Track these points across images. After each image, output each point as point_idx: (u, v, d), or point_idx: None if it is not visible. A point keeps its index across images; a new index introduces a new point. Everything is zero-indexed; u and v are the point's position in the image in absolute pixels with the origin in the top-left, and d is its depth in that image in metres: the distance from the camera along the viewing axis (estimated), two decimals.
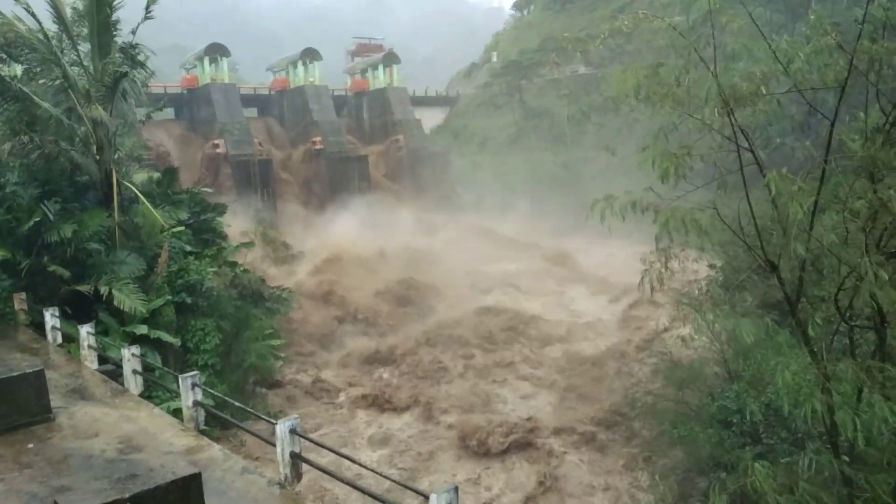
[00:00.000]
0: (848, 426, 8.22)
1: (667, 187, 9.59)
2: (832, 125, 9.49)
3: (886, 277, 8.10)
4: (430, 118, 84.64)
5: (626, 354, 30.43)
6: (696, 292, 18.94)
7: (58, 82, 21.97)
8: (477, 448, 23.92)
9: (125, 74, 22.17)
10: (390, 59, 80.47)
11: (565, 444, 23.79)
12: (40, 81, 22.28)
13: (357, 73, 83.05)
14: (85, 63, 23.12)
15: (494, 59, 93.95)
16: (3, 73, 21.39)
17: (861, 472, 9.90)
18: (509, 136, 78.18)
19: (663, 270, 9.45)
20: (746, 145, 9.61)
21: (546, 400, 28.05)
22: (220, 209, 27.72)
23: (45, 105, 21.51)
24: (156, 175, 26.94)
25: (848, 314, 9.67)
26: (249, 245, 28.99)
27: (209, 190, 36.86)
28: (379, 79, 79.31)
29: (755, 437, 13.58)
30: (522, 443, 23.93)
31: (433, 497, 7.49)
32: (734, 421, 14.79)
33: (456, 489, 7.63)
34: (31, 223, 20.14)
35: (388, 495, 9.46)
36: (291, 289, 31.55)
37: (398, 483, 9.56)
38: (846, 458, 9.75)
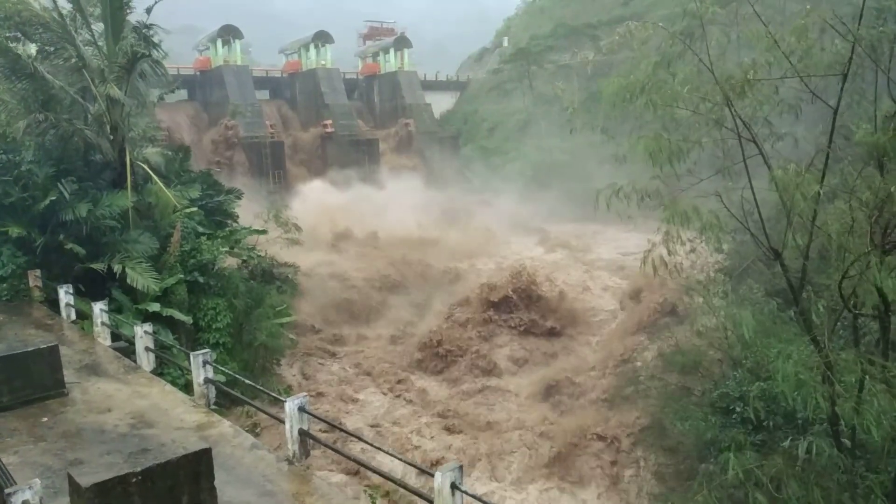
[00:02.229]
0: (849, 415, 8.29)
1: (674, 177, 9.65)
2: (835, 113, 9.53)
3: (890, 269, 8.13)
4: (441, 102, 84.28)
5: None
6: (703, 277, 18.92)
7: (72, 61, 22.05)
8: None
9: (145, 56, 22.19)
10: (402, 42, 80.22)
11: None
12: (55, 61, 22.38)
13: (368, 56, 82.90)
14: (99, 43, 23.22)
15: (505, 44, 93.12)
16: (17, 52, 21.52)
17: (861, 458, 10.00)
18: (519, 122, 77.39)
19: (666, 255, 9.54)
20: (748, 136, 9.66)
21: None
22: (236, 193, 27.82)
23: (60, 84, 21.66)
24: (168, 153, 26.99)
25: (852, 302, 9.68)
26: (262, 232, 29.00)
27: (219, 170, 36.87)
28: (390, 62, 79.15)
29: (756, 425, 13.65)
30: None
31: (438, 475, 7.62)
32: (735, 408, 14.88)
33: (460, 467, 7.76)
34: (47, 202, 20.35)
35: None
36: (299, 268, 31.56)
37: (404, 461, 9.73)
38: (847, 444, 9.84)
